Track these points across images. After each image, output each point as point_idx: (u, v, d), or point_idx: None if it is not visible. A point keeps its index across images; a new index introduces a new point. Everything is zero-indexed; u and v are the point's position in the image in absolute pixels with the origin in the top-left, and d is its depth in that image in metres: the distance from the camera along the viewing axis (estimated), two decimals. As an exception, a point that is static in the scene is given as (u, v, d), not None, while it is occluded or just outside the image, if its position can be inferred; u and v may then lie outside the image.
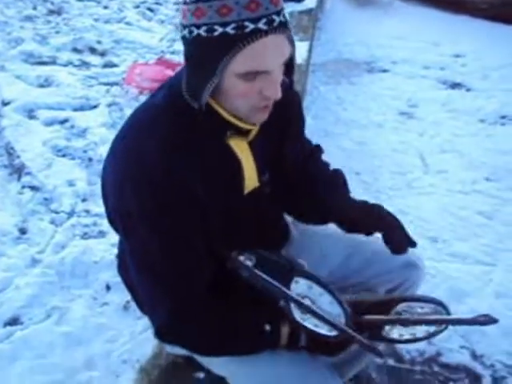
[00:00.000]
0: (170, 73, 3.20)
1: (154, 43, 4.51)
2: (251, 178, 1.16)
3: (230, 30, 0.89)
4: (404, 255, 1.32)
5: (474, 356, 1.93)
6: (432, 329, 1.04)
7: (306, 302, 1.02)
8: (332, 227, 1.32)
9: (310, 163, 1.39)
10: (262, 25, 0.89)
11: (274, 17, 0.91)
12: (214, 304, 1.08)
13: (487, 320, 1.00)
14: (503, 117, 3.75)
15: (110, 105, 3.30)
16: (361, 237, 1.29)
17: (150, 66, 3.66)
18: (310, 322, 1.02)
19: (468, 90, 4.23)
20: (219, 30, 0.90)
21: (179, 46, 4.39)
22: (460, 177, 3.04)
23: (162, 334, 1.08)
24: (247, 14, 0.88)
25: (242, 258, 1.06)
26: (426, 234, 2.56)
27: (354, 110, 3.85)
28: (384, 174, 3.06)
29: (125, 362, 1.73)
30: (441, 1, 6.77)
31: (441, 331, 1.05)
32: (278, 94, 0.99)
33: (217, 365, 1.26)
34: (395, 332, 1.06)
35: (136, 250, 1.05)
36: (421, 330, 1.04)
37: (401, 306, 1.06)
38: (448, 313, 1.05)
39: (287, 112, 1.23)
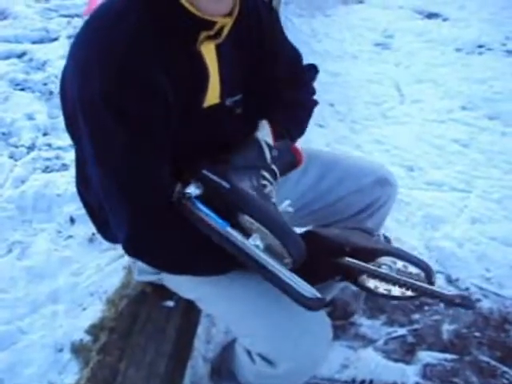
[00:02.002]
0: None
1: (118, -27, 4.27)
2: (213, 93, 1.09)
3: None
4: (375, 171, 1.26)
5: (449, 280, 1.92)
6: (408, 292, 0.97)
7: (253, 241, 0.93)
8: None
9: (288, 91, 1.31)
10: None
11: None
12: (178, 218, 1.00)
13: (465, 303, 0.92)
14: (480, 46, 3.68)
15: (70, 37, 3.12)
16: (333, 154, 1.23)
17: (113, -5, 3.45)
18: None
19: (445, 19, 4.12)
20: None
21: (144, -24, 4.17)
22: (436, 106, 2.98)
23: (126, 244, 1.01)
24: None
25: (189, 187, 0.98)
26: (402, 162, 2.51)
27: (328, 42, 3.73)
28: (359, 105, 2.98)
29: (91, 294, 1.67)
30: None
31: (416, 297, 0.99)
32: None
33: (186, 288, 1.21)
34: (371, 282, 1.01)
35: (98, 141, 0.97)
36: (396, 289, 0.98)
37: (384, 259, 0.98)
38: (430, 281, 0.96)
39: (259, 24, 1.16)
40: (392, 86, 3.17)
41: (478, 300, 1.86)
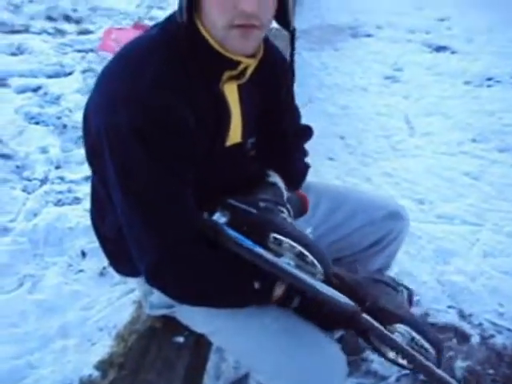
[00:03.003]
0: (147, 36, 3.08)
1: (131, 9, 4.38)
2: (235, 132, 1.12)
3: None
4: (387, 205, 1.27)
5: (462, 315, 1.90)
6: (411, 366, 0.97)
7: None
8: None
9: (293, 146, 1.35)
10: None
11: None
12: (204, 249, 1.01)
13: None
14: (489, 79, 3.70)
15: (84, 71, 3.19)
16: (344, 187, 1.24)
17: (126, 30, 3.54)
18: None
19: (453, 52, 4.16)
20: None
21: (156, 13, 4.27)
22: (446, 138, 2.99)
23: (151, 273, 1.02)
24: None
25: (216, 215, 1.01)
26: (413, 196, 2.51)
27: (338, 75, 3.77)
28: (369, 138, 2.99)
29: (101, 329, 1.66)
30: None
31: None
32: (254, 10, 0.94)
33: (201, 321, 1.21)
34: (382, 346, 1.00)
35: (125, 173, 0.98)
36: (403, 360, 0.98)
37: (401, 326, 0.97)
38: (439, 359, 0.95)
39: (278, 74, 1.21)
40: (402, 118, 3.19)
41: (492, 336, 1.83)
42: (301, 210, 1.17)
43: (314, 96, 3.38)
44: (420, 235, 2.25)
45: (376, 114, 3.24)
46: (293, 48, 1.16)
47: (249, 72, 1.08)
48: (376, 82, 3.66)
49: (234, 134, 1.12)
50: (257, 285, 1.00)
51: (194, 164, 1.02)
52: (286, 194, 1.12)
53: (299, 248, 0.96)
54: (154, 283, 1.04)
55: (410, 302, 1.04)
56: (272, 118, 1.24)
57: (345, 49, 4.23)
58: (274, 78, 1.20)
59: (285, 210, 1.09)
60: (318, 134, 2.95)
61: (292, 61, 1.18)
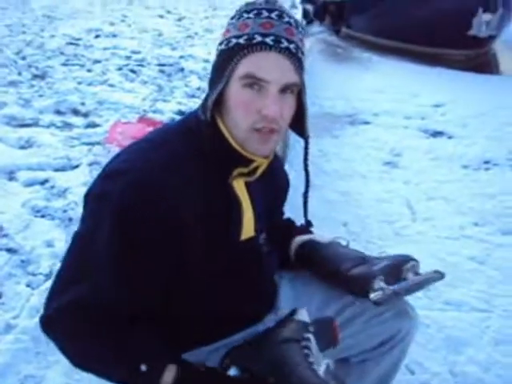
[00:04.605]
0: (152, 130, 3.18)
1: (137, 103, 4.55)
2: (248, 226, 1.14)
3: (241, 40, 1.01)
4: (395, 303, 1.26)
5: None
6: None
7: None
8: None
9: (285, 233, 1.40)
10: (269, 40, 0.99)
11: (283, 40, 1.00)
12: (114, 322, 1.00)
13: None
14: (486, 162, 3.78)
15: (91, 164, 3.27)
16: None
17: (132, 124, 3.66)
18: None
19: (449, 137, 4.28)
20: (234, 41, 1.02)
21: (161, 106, 4.43)
22: (448, 223, 3.01)
23: (47, 320, 1.02)
24: (259, 30, 1.00)
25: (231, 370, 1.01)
26: (418, 282, 2.48)
27: (337, 162, 3.86)
28: (372, 224, 3.01)
29: (103, 432, 1.60)
30: (418, 54, 6.98)
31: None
32: (276, 115, 1.01)
33: None
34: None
35: (85, 235, 1.01)
36: None
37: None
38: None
39: (281, 179, 1.34)
40: (403, 204, 3.23)
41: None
42: (331, 339, 1.14)
43: (314, 183, 3.42)
44: (428, 324, 2.21)
45: (377, 199, 3.28)
46: (306, 153, 1.22)
47: (259, 171, 1.13)
48: (375, 168, 3.74)
49: (248, 228, 1.14)
50: (143, 367, 0.97)
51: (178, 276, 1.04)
52: (310, 327, 1.09)
53: None
54: (47, 326, 1.03)
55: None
56: (274, 215, 1.31)
57: (343, 136, 4.35)
58: (277, 180, 1.27)
59: (308, 344, 1.05)
60: (320, 221, 2.97)
61: (306, 165, 1.25)
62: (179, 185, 1.01)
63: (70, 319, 1.00)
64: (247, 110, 1.01)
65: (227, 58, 1.01)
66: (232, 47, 1.01)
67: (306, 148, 1.22)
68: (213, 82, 1.05)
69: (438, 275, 1.25)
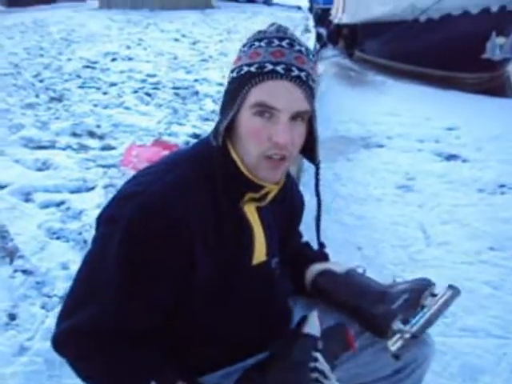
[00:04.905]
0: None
1: (152, 126, 4.60)
2: (260, 250, 1.15)
3: (253, 68, 1.02)
4: None
5: None
6: None
7: None
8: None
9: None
10: (279, 68, 1.01)
11: (294, 68, 1.01)
12: (124, 341, 1.02)
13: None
14: (502, 185, 3.76)
15: (106, 186, 3.30)
16: None
17: (147, 147, 3.70)
18: None
19: (464, 161, 4.26)
20: (245, 69, 1.04)
21: (176, 128, 4.47)
22: (463, 247, 2.98)
23: (58, 339, 1.04)
24: (270, 58, 1.02)
25: None
26: (433, 308, 2.45)
27: (352, 185, 3.86)
28: (386, 248, 3.00)
29: None
30: (431, 78, 7.00)
31: None
32: (287, 143, 1.03)
33: None
34: None
35: (94, 257, 1.05)
36: None
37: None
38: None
39: (295, 200, 1.32)
40: (418, 228, 3.21)
41: None
42: (346, 345, 1.13)
43: (329, 206, 3.43)
44: (445, 350, 2.17)
45: (392, 223, 3.27)
46: (317, 178, 1.22)
47: (270, 197, 1.14)
48: (390, 191, 3.73)
49: (259, 252, 1.15)
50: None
51: (179, 295, 1.05)
52: (319, 343, 1.08)
53: None
54: (60, 344, 1.05)
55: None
56: (288, 239, 1.31)
57: (357, 159, 4.36)
58: (290, 202, 1.27)
59: (317, 365, 1.04)
60: (335, 245, 2.97)
61: (318, 190, 1.25)
62: (189, 208, 1.02)
63: (79, 339, 1.02)
64: (258, 138, 1.03)
65: (238, 86, 1.03)
66: (243, 75, 1.03)
67: (317, 174, 1.22)
68: (224, 109, 1.07)
69: (455, 292, 1.23)
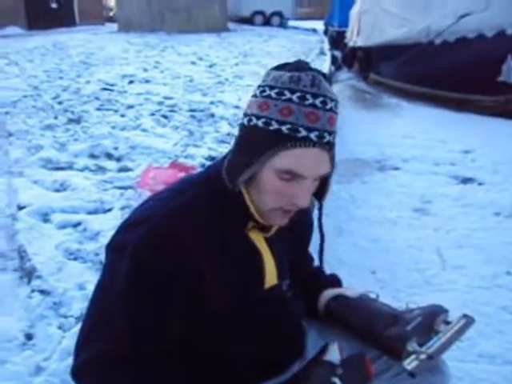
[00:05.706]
0: (183, 175, 3.24)
1: (169, 148, 4.65)
2: (271, 274, 1.16)
3: (284, 129, 0.98)
4: None
5: None
6: None
7: None
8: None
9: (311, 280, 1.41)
10: (313, 136, 0.97)
11: (326, 134, 0.99)
12: (140, 369, 1.02)
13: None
14: (519, 210, 3.73)
15: (123, 208, 3.33)
16: None
17: (164, 169, 3.74)
18: None
19: (480, 184, 4.24)
20: (275, 125, 0.98)
21: (192, 151, 4.52)
22: (479, 272, 2.96)
23: (76, 371, 1.05)
24: (304, 122, 0.97)
25: None
26: (449, 333, 2.43)
27: (367, 208, 3.85)
28: (401, 272, 2.98)
29: None
30: (446, 100, 6.99)
31: None
32: (305, 205, 1.04)
33: None
34: None
35: (103, 286, 1.06)
36: None
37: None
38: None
39: (306, 219, 1.32)
40: (433, 251, 3.20)
41: None
42: (365, 375, 1.13)
43: (344, 229, 3.43)
44: (461, 376, 2.15)
45: (407, 246, 3.25)
46: (321, 213, 1.25)
47: (273, 230, 1.16)
48: (405, 214, 3.73)
49: (271, 276, 1.16)
50: None
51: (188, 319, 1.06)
52: (338, 369, 1.08)
53: None
54: (75, 379, 1.05)
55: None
56: (299, 260, 1.33)
57: (372, 182, 4.36)
58: (299, 223, 1.26)
59: (337, 382, 1.04)
60: (349, 268, 2.96)
61: (321, 225, 1.27)
62: (195, 233, 1.03)
63: (97, 371, 1.03)
64: (279, 197, 1.04)
65: (266, 143, 0.99)
66: (273, 132, 0.98)
67: (321, 209, 1.23)
68: (243, 154, 1.04)
69: (469, 320, 1.24)
